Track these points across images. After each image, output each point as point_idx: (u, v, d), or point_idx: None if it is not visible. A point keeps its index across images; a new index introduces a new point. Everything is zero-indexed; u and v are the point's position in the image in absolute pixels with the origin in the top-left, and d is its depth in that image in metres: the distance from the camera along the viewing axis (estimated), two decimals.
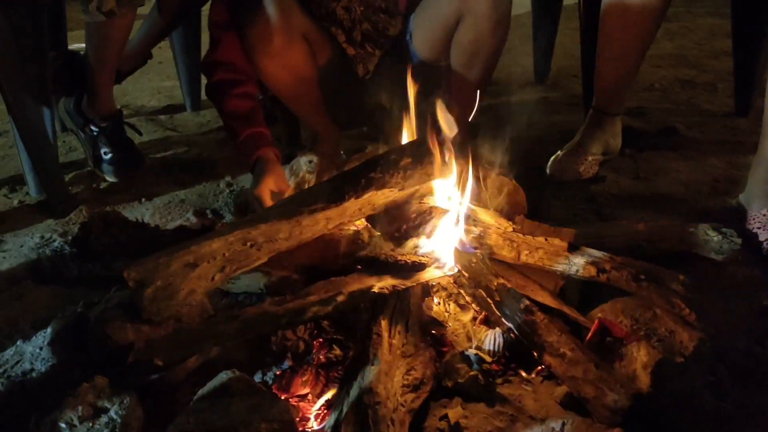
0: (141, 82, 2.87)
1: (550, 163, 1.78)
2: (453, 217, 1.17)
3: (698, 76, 2.74)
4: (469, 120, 1.63)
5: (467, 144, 1.24)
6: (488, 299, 1.05)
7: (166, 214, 1.63)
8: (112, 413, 0.89)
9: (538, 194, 1.61)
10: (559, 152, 1.79)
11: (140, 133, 1.99)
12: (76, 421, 0.88)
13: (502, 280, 1.05)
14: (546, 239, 1.13)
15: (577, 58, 2.19)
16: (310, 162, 1.70)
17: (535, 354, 0.97)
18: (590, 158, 1.76)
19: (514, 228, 1.18)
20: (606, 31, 1.70)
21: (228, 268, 1.02)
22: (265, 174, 1.45)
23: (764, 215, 1.39)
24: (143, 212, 1.64)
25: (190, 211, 1.61)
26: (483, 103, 2.37)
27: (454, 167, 1.15)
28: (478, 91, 1.63)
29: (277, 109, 1.88)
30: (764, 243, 1.34)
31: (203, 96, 2.45)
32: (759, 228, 1.37)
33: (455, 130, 1.07)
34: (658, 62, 2.93)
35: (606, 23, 1.69)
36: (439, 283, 1.17)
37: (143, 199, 1.71)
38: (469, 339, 1.06)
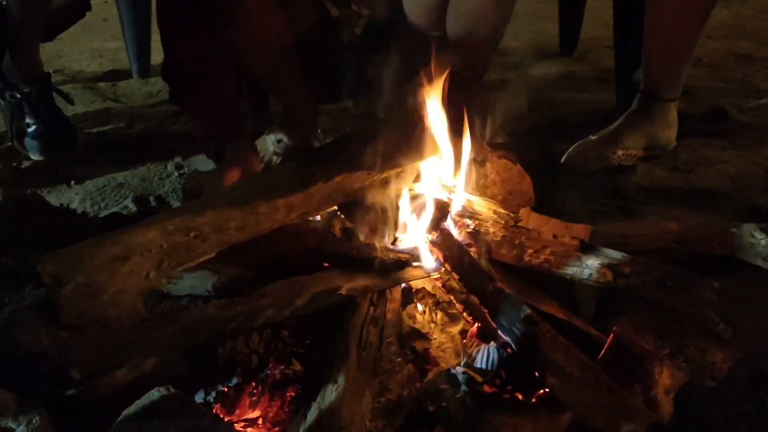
0: (80, 42, 2.88)
1: (570, 149, 1.78)
2: (443, 207, 1.17)
3: (756, 50, 2.76)
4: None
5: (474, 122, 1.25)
6: (482, 307, 1.06)
7: (99, 201, 1.64)
8: None
9: (551, 184, 1.62)
10: (591, 137, 1.79)
11: (72, 102, 2.00)
12: None
13: (499, 285, 1.05)
14: (555, 237, 1.13)
15: (611, 26, 2.20)
16: (279, 142, 1.70)
17: (536, 374, 0.98)
18: (620, 152, 1.75)
19: (516, 222, 1.18)
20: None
21: (166, 263, 1.02)
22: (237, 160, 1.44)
23: None
24: (71, 197, 1.65)
25: (129, 197, 1.62)
26: (494, 77, 2.39)
27: (445, 147, 1.16)
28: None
29: (242, 80, 1.89)
30: None
31: (153, 61, 2.48)
32: None
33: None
34: (708, 32, 2.93)
35: None
36: (424, 288, 1.18)
37: (72, 182, 1.72)
38: (458, 355, 1.06)
